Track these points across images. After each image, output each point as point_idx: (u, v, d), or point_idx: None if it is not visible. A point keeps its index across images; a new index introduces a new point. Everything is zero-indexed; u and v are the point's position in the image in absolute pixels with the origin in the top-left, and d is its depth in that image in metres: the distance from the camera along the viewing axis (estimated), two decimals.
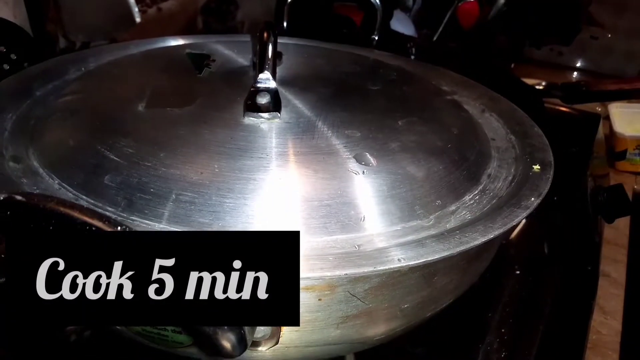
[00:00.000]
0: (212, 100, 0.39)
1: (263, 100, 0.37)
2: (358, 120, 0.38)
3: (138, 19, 0.74)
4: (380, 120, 0.39)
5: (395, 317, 0.33)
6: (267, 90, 0.37)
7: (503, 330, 0.47)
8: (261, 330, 0.29)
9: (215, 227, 0.30)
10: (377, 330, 0.34)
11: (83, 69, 0.48)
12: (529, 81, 0.83)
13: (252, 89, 0.37)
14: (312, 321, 0.30)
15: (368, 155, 0.34)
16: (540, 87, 0.81)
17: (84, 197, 0.32)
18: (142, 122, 0.36)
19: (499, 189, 0.37)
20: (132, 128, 0.35)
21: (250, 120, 0.36)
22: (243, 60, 0.46)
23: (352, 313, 0.31)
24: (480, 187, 0.37)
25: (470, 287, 0.38)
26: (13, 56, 0.66)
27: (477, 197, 0.36)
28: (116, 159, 0.33)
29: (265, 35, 0.39)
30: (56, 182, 0.33)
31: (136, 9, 0.74)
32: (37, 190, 0.32)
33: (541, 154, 0.41)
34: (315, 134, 0.35)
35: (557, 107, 0.83)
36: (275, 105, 0.36)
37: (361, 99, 0.42)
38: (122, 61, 0.48)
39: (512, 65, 1.02)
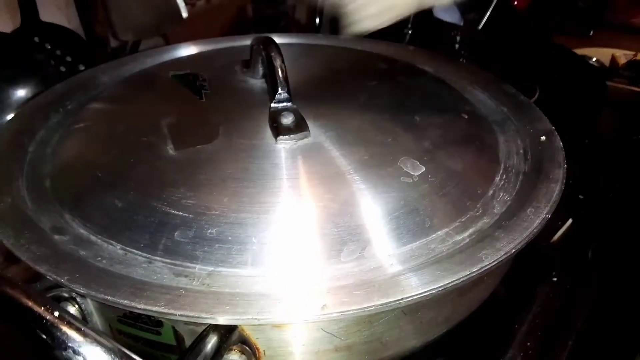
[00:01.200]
0: (233, 126, 0.38)
1: (288, 120, 0.37)
2: (379, 124, 0.38)
3: (185, 14, 0.76)
4: (400, 120, 0.39)
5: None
6: (287, 109, 0.37)
7: (529, 344, 0.45)
8: None
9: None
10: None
11: (69, 107, 0.46)
12: (611, 52, 0.76)
13: (271, 110, 0.37)
14: (287, 354, 0.31)
15: (412, 160, 0.35)
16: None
17: (157, 258, 0.31)
18: (184, 168, 0.35)
19: (517, 165, 0.39)
20: (177, 177, 0.34)
21: (282, 144, 0.35)
22: (228, 69, 0.45)
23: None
24: (502, 167, 0.39)
25: (499, 294, 0.39)
26: (68, 59, 0.70)
27: (504, 177, 0.38)
28: (180, 213, 0.31)
29: (272, 53, 0.39)
30: (118, 247, 0.31)
31: (183, 4, 0.75)
32: (104, 260, 0.30)
33: (539, 123, 0.43)
34: (352, 148, 0.36)
35: (624, 88, 0.76)
36: (301, 124, 0.37)
37: (368, 98, 0.42)
38: (112, 95, 0.46)
39: (591, 33, 0.93)
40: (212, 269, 0.30)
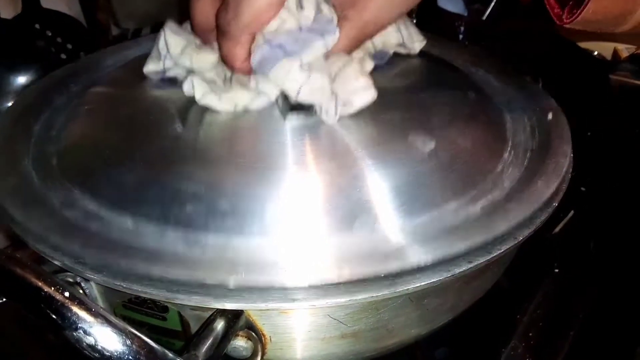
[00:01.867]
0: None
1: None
2: (387, 102, 0.37)
3: None
4: (408, 99, 0.39)
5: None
6: None
7: (531, 334, 0.45)
8: (239, 350, 0.29)
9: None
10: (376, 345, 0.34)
11: (74, 89, 0.45)
12: (613, 45, 0.75)
13: None
14: (294, 341, 0.31)
15: (422, 137, 0.34)
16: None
17: (170, 229, 0.30)
18: (192, 145, 0.35)
19: (525, 142, 0.39)
20: (187, 153, 0.34)
21: (291, 121, 0.35)
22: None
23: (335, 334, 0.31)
24: (510, 144, 0.39)
25: (500, 285, 0.38)
26: (69, 46, 0.69)
27: (512, 154, 0.38)
28: (191, 186, 0.31)
29: None
30: (129, 220, 0.31)
31: None
32: (114, 233, 0.30)
33: (545, 102, 0.43)
34: (360, 125, 0.35)
35: (626, 81, 0.76)
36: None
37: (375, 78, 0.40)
38: (117, 76, 0.45)
39: None
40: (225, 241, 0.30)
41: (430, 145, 0.34)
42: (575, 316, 0.46)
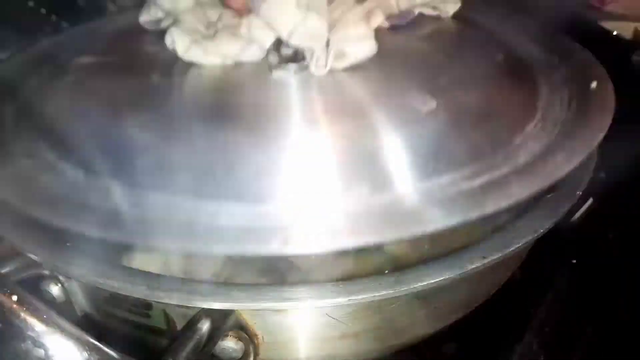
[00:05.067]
0: None
1: (288, 50, 0.33)
2: (402, 60, 0.35)
3: None
4: (425, 59, 0.36)
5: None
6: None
7: (546, 330, 0.42)
8: (228, 351, 0.27)
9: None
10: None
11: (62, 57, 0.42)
12: (633, 25, 0.72)
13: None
14: (289, 341, 0.29)
15: (424, 95, 0.31)
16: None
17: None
18: (164, 92, 0.33)
19: (558, 114, 0.34)
20: (153, 101, 0.32)
21: (278, 74, 0.32)
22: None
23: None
24: (539, 115, 0.34)
25: (513, 276, 0.36)
26: (64, 24, 0.67)
27: (539, 125, 0.33)
28: (143, 137, 0.29)
29: None
30: (81, 172, 0.29)
31: None
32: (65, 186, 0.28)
33: (592, 70, 0.38)
34: (362, 81, 0.32)
35: None
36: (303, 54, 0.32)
37: (394, 36, 0.38)
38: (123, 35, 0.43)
39: None
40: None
41: (431, 105, 0.30)
42: (594, 311, 0.43)
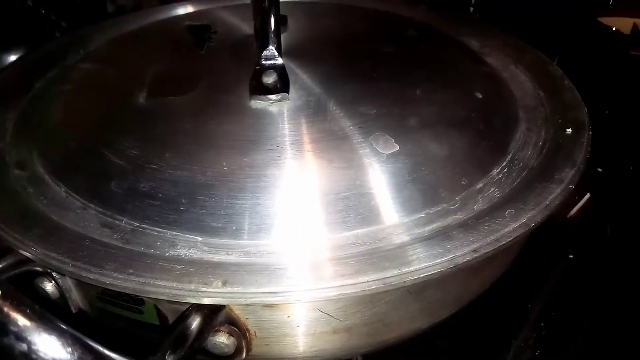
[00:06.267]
0: (216, 81, 0.37)
1: (269, 79, 0.34)
2: (372, 93, 0.35)
3: None
4: (396, 91, 0.36)
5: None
6: (274, 67, 0.35)
7: (542, 324, 0.42)
8: (220, 347, 0.27)
9: (230, 231, 0.28)
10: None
11: (81, 51, 0.45)
12: (631, 21, 0.72)
13: (256, 67, 0.35)
14: (281, 336, 0.29)
15: (386, 137, 0.32)
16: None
17: (92, 205, 0.30)
18: (144, 117, 0.34)
19: (529, 158, 0.34)
20: (134, 124, 0.33)
21: (257, 104, 0.33)
22: (248, 27, 0.43)
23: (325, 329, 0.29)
24: (509, 158, 0.34)
25: (511, 272, 0.36)
26: (63, 24, 0.68)
27: (505, 170, 0.33)
28: (120, 162, 0.31)
29: (265, 3, 0.36)
30: (63, 189, 0.31)
31: None
32: (45, 200, 0.30)
33: (574, 112, 0.38)
34: (327, 116, 0.33)
35: None
36: (283, 84, 0.34)
37: (375, 65, 0.39)
38: (121, 41, 0.45)
39: (611, 2, 0.88)
40: (138, 224, 0.28)
41: (393, 148, 0.31)
42: (591, 305, 0.43)
